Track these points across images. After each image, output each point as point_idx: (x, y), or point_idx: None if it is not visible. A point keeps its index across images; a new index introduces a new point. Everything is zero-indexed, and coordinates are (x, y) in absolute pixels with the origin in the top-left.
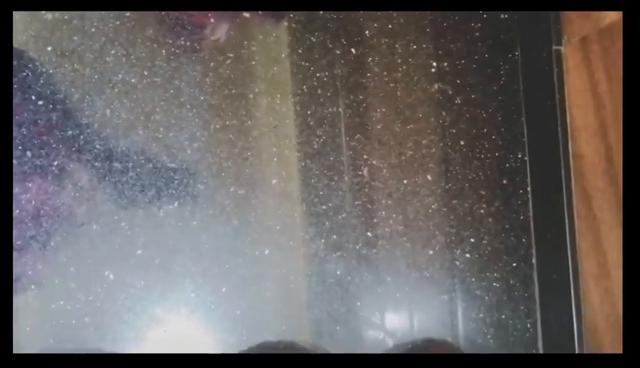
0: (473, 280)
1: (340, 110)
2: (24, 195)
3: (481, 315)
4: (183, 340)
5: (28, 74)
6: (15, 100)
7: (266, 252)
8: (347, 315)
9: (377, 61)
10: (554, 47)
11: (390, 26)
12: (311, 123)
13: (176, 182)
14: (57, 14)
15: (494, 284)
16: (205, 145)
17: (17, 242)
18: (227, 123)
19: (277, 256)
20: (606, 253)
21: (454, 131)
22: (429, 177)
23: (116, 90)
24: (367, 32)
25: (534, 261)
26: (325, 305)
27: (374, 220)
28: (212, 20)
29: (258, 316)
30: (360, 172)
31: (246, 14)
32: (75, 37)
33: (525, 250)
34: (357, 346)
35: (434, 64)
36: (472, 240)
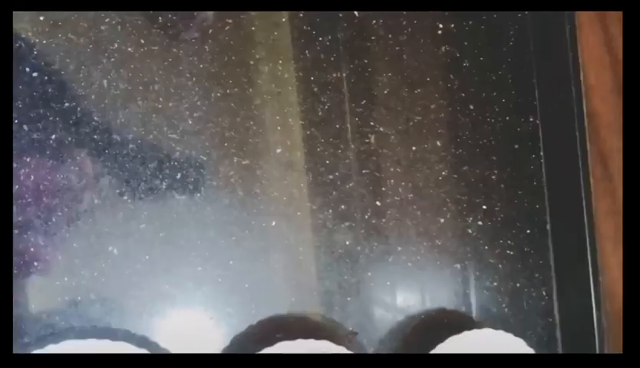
0: (486, 248)
1: (344, 75)
2: (23, 170)
3: (495, 284)
4: (191, 314)
5: (21, 46)
6: None
7: (273, 224)
8: (357, 286)
9: (382, 24)
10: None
11: None
12: (315, 89)
13: (178, 153)
14: None
15: (508, 251)
16: (206, 114)
17: (17, 219)
18: (228, 91)
19: (284, 227)
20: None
21: (463, 95)
22: (438, 143)
23: (112, 59)
24: None
25: (548, 227)
26: (335, 276)
27: (383, 189)
28: None
29: (267, 288)
30: (366, 140)
31: None
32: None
33: (539, 216)
34: (368, 317)
35: (440, 25)
36: (484, 207)
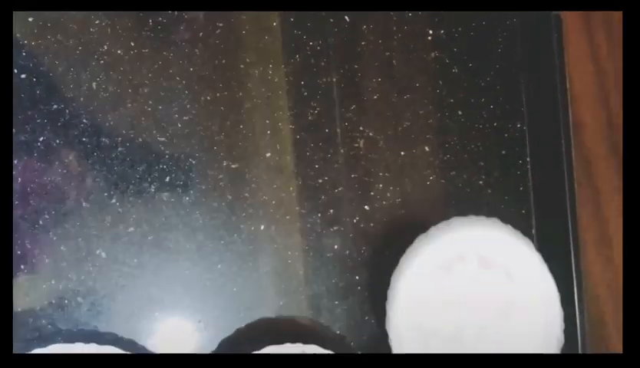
0: None
1: (334, 80)
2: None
3: None
4: (179, 317)
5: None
6: None
7: (262, 227)
8: (345, 290)
9: (372, 29)
10: (553, 12)
11: None
12: (305, 93)
13: (167, 156)
14: None
15: None
16: (195, 118)
17: None
18: (218, 94)
19: (273, 231)
20: (607, 221)
21: (452, 101)
22: (427, 148)
23: (101, 62)
24: None
25: (534, 232)
26: (324, 280)
27: (372, 193)
28: None
29: (256, 292)
30: (356, 144)
31: None
32: None
33: (524, 221)
34: (356, 321)
35: (430, 31)
36: (471, 211)
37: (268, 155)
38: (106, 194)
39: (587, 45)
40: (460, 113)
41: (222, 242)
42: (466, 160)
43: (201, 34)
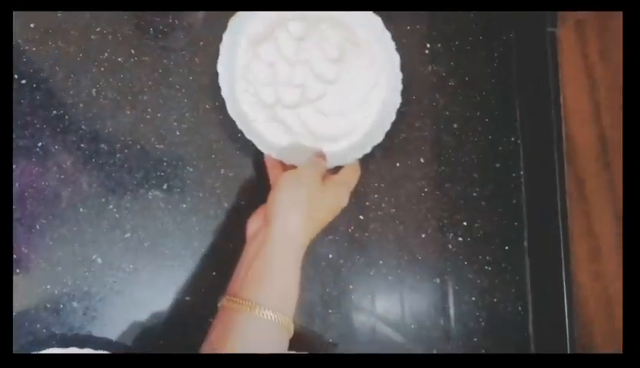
0: (466, 263)
1: None
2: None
3: (473, 298)
4: (173, 324)
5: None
6: None
7: None
8: (339, 298)
9: None
10: (549, 29)
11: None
12: None
13: (164, 163)
14: None
15: (486, 267)
16: (194, 126)
17: None
18: (217, 103)
19: None
20: (598, 236)
21: (447, 114)
22: (422, 160)
23: (102, 68)
24: None
25: (526, 244)
26: (318, 288)
27: (367, 203)
28: None
29: None
30: None
31: None
32: (59, 14)
33: (517, 233)
34: (349, 329)
35: (428, 45)
36: (464, 223)
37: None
38: (103, 199)
39: (581, 63)
40: (455, 125)
41: (217, 249)
42: (460, 172)
43: (201, 43)
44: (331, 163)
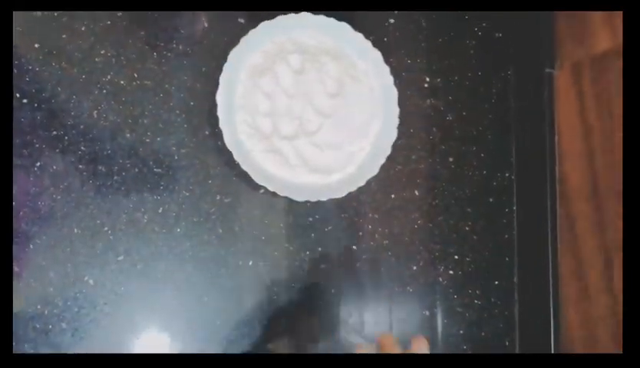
0: (455, 296)
1: None
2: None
3: (461, 331)
4: (162, 348)
5: (13, 71)
6: None
7: (250, 263)
8: (328, 328)
9: None
10: (546, 70)
11: (385, 39)
12: None
13: (161, 187)
14: (46, 10)
15: (475, 301)
16: (193, 151)
17: None
18: (216, 130)
19: (261, 267)
20: (587, 277)
21: (444, 148)
22: (416, 192)
23: (104, 91)
24: None
25: (515, 280)
26: (308, 317)
27: (360, 234)
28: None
29: (239, 326)
30: None
31: (241, 20)
32: (64, 35)
33: (507, 268)
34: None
35: (427, 79)
36: (456, 257)
37: (261, 191)
38: (98, 221)
39: (577, 105)
40: (450, 159)
41: (210, 275)
42: (453, 206)
43: (203, 69)
44: (326, 196)
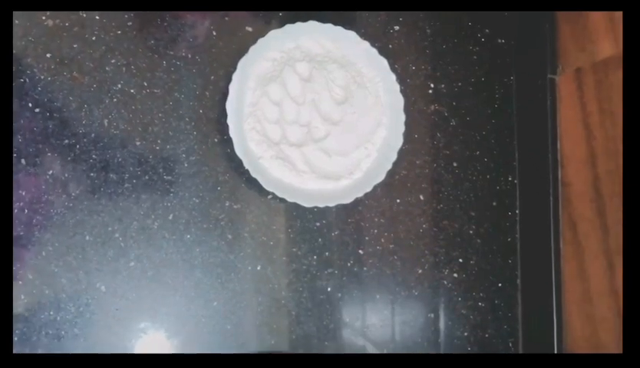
0: (460, 299)
1: None
2: (17, 204)
3: (465, 334)
4: (173, 352)
5: (25, 81)
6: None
7: (258, 267)
8: (335, 331)
9: None
10: (549, 76)
11: (390, 46)
12: None
13: (171, 194)
14: (57, 20)
15: (479, 303)
16: (202, 158)
17: None
18: (225, 137)
19: (269, 271)
20: (589, 279)
21: (448, 152)
22: (421, 197)
23: (114, 99)
24: None
25: (519, 282)
26: (315, 321)
27: (366, 238)
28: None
29: (249, 331)
30: None
31: (249, 29)
32: (75, 45)
33: (510, 271)
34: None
35: (432, 85)
36: (460, 260)
37: (269, 197)
38: (110, 228)
39: (579, 111)
40: (455, 164)
41: (220, 280)
42: (458, 210)
43: (212, 77)
44: (334, 202)
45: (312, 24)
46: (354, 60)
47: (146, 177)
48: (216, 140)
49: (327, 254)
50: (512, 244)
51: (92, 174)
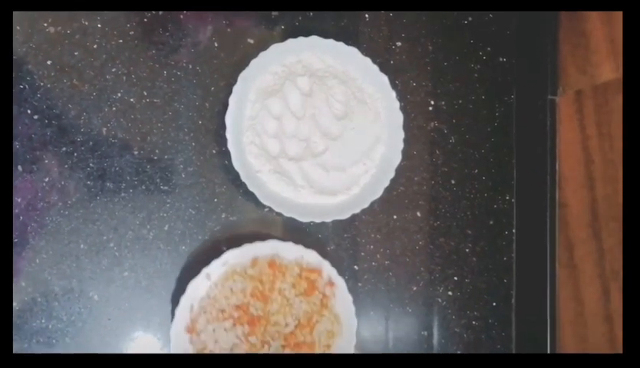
0: (454, 317)
1: None
2: (13, 210)
3: (458, 352)
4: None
5: (25, 87)
6: None
7: None
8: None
9: None
10: (549, 97)
11: (392, 62)
12: None
13: (167, 205)
14: (59, 27)
15: (473, 322)
16: (200, 170)
17: None
18: (223, 149)
19: None
20: (584, 302)
21: (446, 170)
22: (418, 214)
23: (114, 108)
24: None
25: (513, 301)
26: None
27: (362, 254)
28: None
29: None
30: None
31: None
32: (76, 53)
33: (505, 291)
34: None
35: (432, 102)
36: (455, 278)
37: (266, 210)
38: (104, 237)
39: (579, 133)
40: (453, 181)
41: None
42: (454, 228)
43: (212, 88)
44: (330, 217)
45: (314, 39)
46: (355, 76)
47: (143, 187)
48: (214, 152)
49: None
50: (508, 264)
51: (89, 182)
